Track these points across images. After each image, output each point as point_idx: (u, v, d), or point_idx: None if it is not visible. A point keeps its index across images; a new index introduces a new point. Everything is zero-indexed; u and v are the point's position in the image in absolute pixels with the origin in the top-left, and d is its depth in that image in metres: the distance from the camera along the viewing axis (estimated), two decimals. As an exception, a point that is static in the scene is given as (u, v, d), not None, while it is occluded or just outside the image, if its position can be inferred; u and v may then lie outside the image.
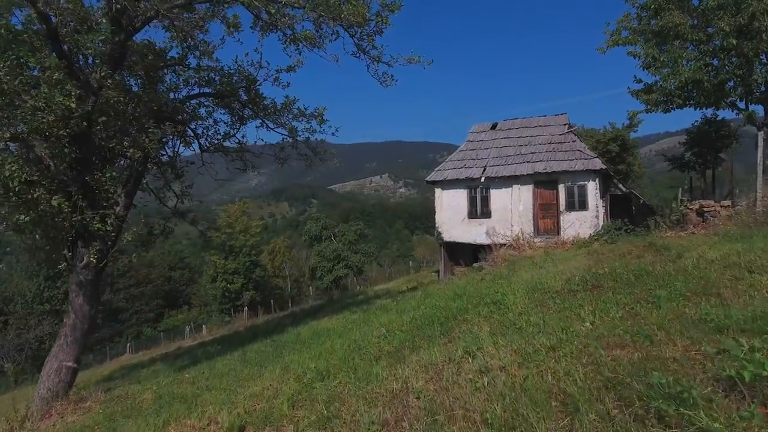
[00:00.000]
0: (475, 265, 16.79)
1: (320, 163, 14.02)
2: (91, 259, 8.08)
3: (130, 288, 60.17)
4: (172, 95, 10.63)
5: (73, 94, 7.57)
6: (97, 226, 7.90)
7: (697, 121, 22.88)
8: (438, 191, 20.73)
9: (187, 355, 16.49)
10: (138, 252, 12.93)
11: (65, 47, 7.72)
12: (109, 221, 8.09)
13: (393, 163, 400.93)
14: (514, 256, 17.23)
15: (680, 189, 22.47)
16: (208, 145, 11.75)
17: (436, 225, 20.82)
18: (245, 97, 12.12)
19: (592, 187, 18.08)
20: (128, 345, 44.08)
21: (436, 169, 21.03)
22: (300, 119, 13.01)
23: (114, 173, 8.01)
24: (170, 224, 12.33)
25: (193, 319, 60.11)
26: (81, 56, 8.21)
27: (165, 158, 11.40)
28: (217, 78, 11.40)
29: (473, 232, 19.94)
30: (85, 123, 7.85)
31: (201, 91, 11.23)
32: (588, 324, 4.82)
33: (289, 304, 68.52)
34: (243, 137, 12.71)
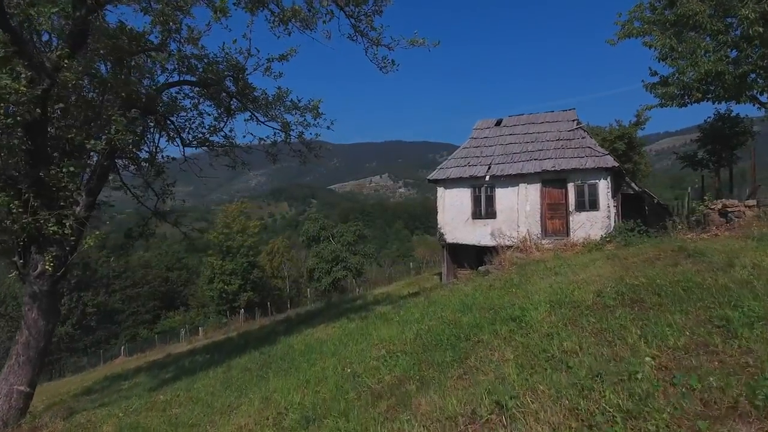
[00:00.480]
0: (480, 268, 15.70)
1: (315, 160, 12.88)
2: (47, 267, 6.97)
3: (126, 289, 59.05)
4: (147, 82, 9.50)
5: (23, 75, 6.47)
6: (52, 228, 6.79)
7: (709, 117, 21.80)
8: (440, 190, 19.61)
9: (173, 365, 15.39)
10: (117, 256, 11.79)
11: (13, 21, 6.60)
12: (67, 223, 6.98)
13: (393, 163, 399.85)
14: (522, 259, 16.13)
15: (689, 188, 21.38)
16: (191, 139, 10.62)
17: (439, 226, 19.71)
18: (233, 88, 11.00)
19: (604, 186, 16.98)
20: (123, 348, 42.94)
21: (439, 167, 19.93)
22: (293, 112, 11.90)
23: (72, 168, 6.89)
24: (150, 227, 11.20)
25: (190, 320, 59.04)
26: (34, 33, 7.10)
27: (144, 154, 10.31)
28: (200, 65, 10.28)
29: (478, 234, 18.84)
30: (38, 110, 6.73)
31: (182, 78, 10.09)
32: (649, 359, 3.70)
33: (288, 306, 67.40)
34: (231, 131, 11.58)
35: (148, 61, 9.60)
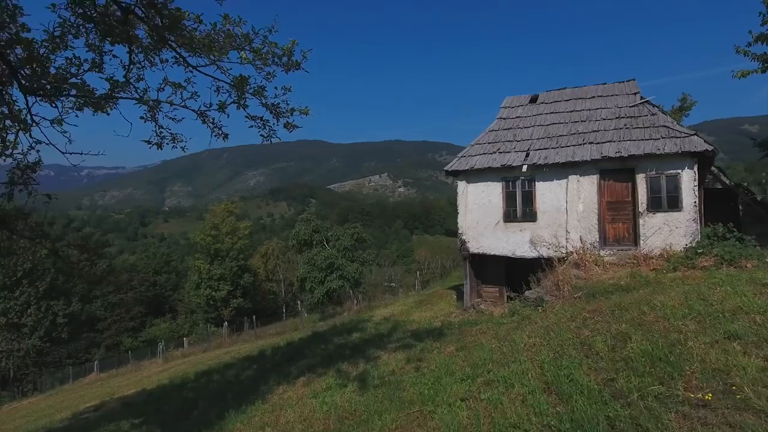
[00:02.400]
0: (528, 294, 10.96)
1: (287, 132, 8.15)
2: None
3: (109, 295, 54.28)
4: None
5: None
6: None
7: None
8: (462, 186, 14.90)
9: (99, 425, 10.70)
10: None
11: None
12: None
13: (392, 162, 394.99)
14: (582, 279, 11.45)
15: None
16: (45, 82, 5.88)
17: (459, 231, 14.99)
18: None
19: (689, 178, 12.28)
20: (96, 364, 38.19)
21: (459, 155, 15.20)
22: (254, 58, 7.19)
23: None
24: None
25: (177, 329, 54.50)
26: None
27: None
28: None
29: (511, 241, 14.14)
30: None
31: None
32: None
33: (283, 311, 62.76)
34: (140, 79, 6.84)
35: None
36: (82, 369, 39.61)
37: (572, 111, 14.84)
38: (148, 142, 7.77)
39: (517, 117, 15.67)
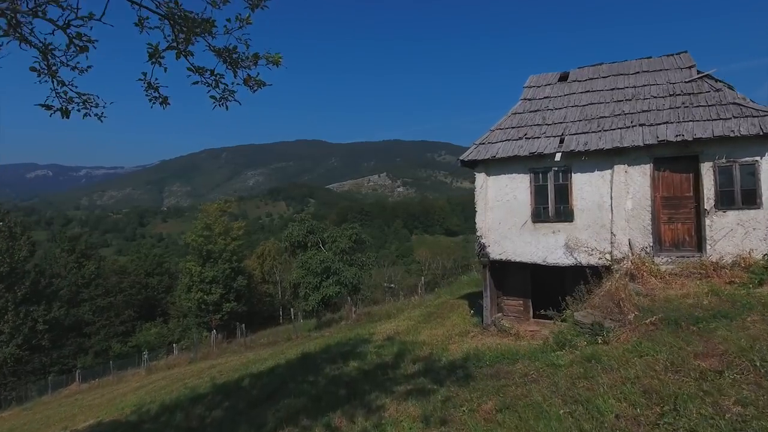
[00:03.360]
0: (580, 318, 8.31)
1: (250, 92, 5.58)
2: None
3: (97, 299, 51.63)
4: None
5: None
6: None
7: None
8: (480, 178, 12.30)
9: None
10: None
11: None
12: None
13: (391, 162, 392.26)
14: (643, 295, 8.87)
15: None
16: None
17: (478, 233, 12.39)
18: None
19: (770, 167, 9.74)
20: (78, 374, 35.59)
21: (476, 142, 12.59)
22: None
23: None
24: None
25: (168, 334, 51.88)
26: None
27: None
28: None
29: (542, 245, 11.56)
30: None
31: None
32: None
33: (280, 314, 60.11)
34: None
35: None
36: (65, 378, 37.00)
37: (613, 89, 12.24)
38: (46, 107, 5.20)
39: (545, 98, 13.06)
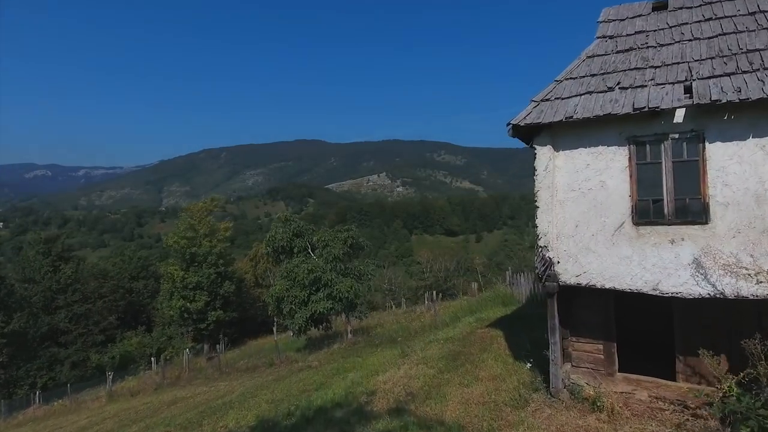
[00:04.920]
0: None
1: None
2: None
3: (74, 305, 46.94)
4: None
5: None
6: None
7: None
8: (544, 155, 7.63)
9: None
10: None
11: None
12: None
13: (390, 162, 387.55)
14: None
15: None
16: None
17: (540, 240, 7.70)
18: None
19: None
20: (38, 394, 30.92)
21: (536, 98, 7.87)
22: None
23: None
24: None
25: (151, 343, 47.23)
26: None
27: None
28: None
29: (652, 263, 6.91)
30: None
31: None
32: None
33: (274, 320, 55.41)
34: None
35: None
36: (24, 400, 32.30)
37: (755, 12, 7.58)
38: None
39: (637, 32, 8.35)
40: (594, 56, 8.24)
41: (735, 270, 6.37)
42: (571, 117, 7.18)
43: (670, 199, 6.86)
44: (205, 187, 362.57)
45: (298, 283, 19.19)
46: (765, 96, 6.06)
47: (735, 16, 7.65)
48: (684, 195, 6.80)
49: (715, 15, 7.86)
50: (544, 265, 7.51)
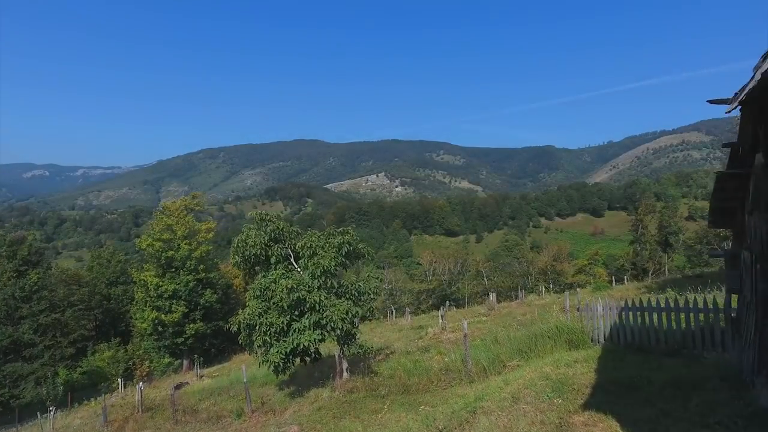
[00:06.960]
0: None
1: None
2: None
3: (40, 315, 41.31)
4: None
5: None
6: None
7: None
8: None
9: None
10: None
11: None
12: None
13: (389, 162, 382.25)
14: None
15: None
16: None
17: None
18: None
19: None
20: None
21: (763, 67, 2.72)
22: None
23: None
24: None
25: (124, 358, 41.82)
26: None
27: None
28: None
29: None
30: None
31: None
32: None
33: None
34: None
35: None
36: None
37: None
38: None
39: None
40: None
41: None
42: None
43: None
44: (204, 186, 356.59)
45: (276, 306, 13.68)
46: None
47: None
48: None
49: None
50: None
